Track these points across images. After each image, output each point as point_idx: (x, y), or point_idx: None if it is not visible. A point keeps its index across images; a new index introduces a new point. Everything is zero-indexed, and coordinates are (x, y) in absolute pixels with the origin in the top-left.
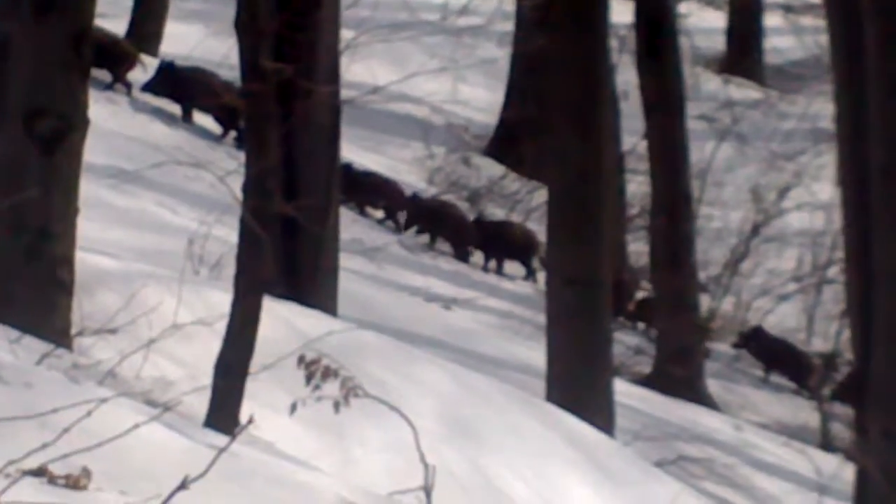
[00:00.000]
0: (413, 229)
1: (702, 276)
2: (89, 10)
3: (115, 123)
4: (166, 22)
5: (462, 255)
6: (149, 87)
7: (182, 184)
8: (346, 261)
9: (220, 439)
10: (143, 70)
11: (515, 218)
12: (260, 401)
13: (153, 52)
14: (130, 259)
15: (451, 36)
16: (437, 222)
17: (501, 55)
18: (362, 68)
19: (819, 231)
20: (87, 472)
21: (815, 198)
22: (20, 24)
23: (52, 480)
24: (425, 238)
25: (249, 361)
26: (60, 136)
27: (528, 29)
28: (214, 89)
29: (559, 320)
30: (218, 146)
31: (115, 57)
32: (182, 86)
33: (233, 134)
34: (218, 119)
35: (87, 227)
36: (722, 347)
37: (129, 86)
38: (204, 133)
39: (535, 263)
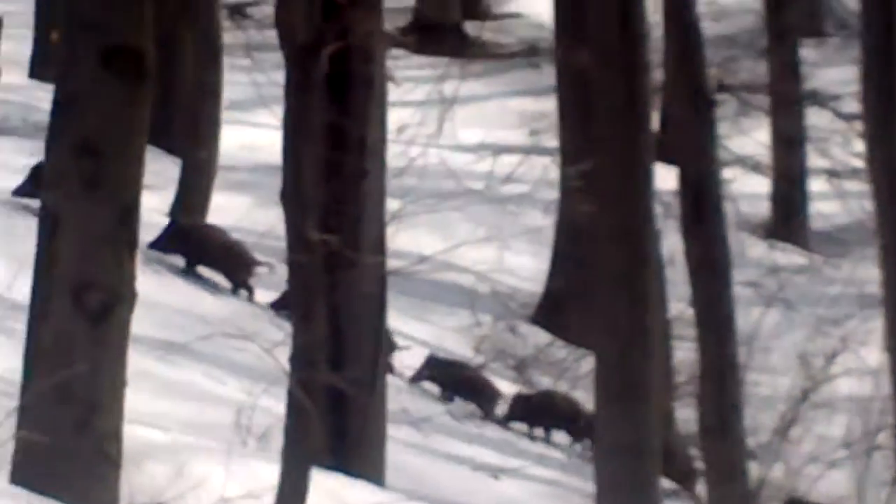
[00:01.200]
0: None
1: (750, 442)
2: (136, 185)
3: (162, 295)
4: (212, 193)
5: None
6: (157, 245)
7: (229, 355)
8: (393, 430)
9: None
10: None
11: (563, 386)
12: None
13: (199, 220)
14: (178, 431)
15: (496, 204)
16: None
17: (546, 223)
18: (408, 237)
19: (868, 397)
20: None
21: (864, 363)
22: (68, 199)
23: None
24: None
25: None
26: (109, 310)
27: (573, 196)
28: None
29: (608, 489)
30: (264, 316)
31: None
32: (189, 242)
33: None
34: (227, 275)
35: (135, 399)
36: None
37: None
38: (251, 304)
39: (579, 431)
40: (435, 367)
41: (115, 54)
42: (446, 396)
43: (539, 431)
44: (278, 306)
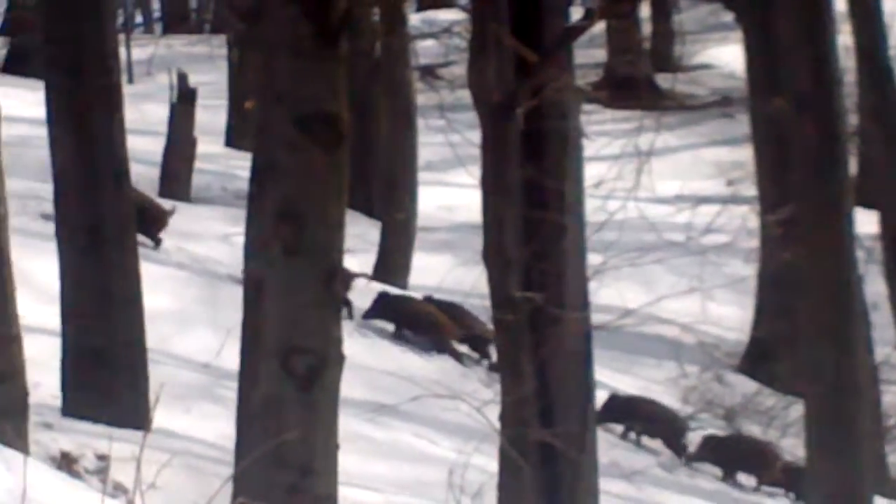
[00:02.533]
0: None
1: None
2: (338, 249)
3: (369, 357)
4: (413, 254)
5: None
6: (368, 316)
7: (439, 415)
8: (605, 484)
9: None
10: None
11: (772, 434)
12: None
13: (402, 284)
14: (392, 492)
15: (698, 255)
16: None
17: (748, 272)
18: (611, 291)
19: None
20: None
21: None
22: (271, 265)
23: None
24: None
25: None
26: (317, 373)
27: (774, 244)
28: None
29: None
30: (472, 375)
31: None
32: (398, 312)
33: (485, 363)
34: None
35: (347, 462)
36: None
37: (157, 241)
38: (458, 364)
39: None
40: (615, 403)
41: (311, 120)
42: (632, 432)
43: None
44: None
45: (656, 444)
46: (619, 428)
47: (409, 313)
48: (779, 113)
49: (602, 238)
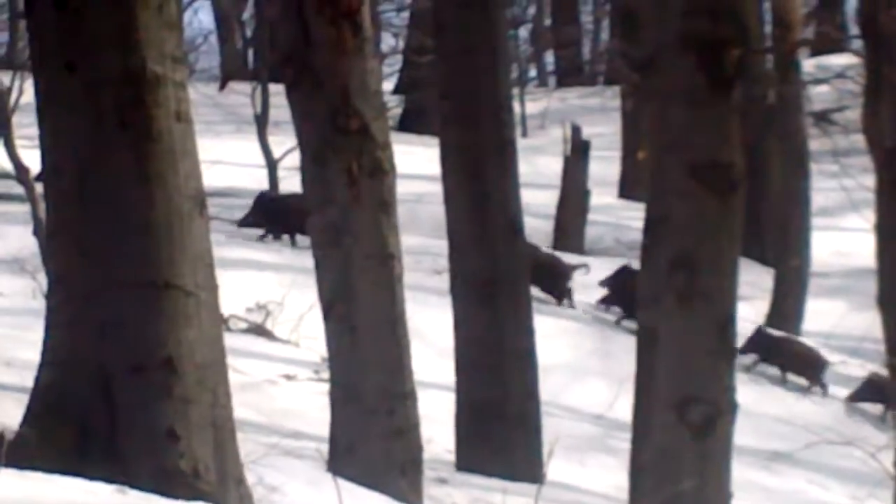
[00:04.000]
0: None
1: None
2: (732, 296)
3: (762, 405)
4: (807, 300)
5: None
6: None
7: (833, 461)
8: None
9: None
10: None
11: None
12: None
13: (795, 330)
14: None
15: None
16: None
17: None
18: None
19: None
20: None
21: None
22: (665, 315)
23: None
24: None
25: None
26: (712, 422)
27: None
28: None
29: None
30: (866, 422)
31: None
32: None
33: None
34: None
35: None
36: None
37: (563, 296)
38: (853, 410)
39: None
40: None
41: (705, 168)
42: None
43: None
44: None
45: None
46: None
47: (783, 351)
48: None
49: None
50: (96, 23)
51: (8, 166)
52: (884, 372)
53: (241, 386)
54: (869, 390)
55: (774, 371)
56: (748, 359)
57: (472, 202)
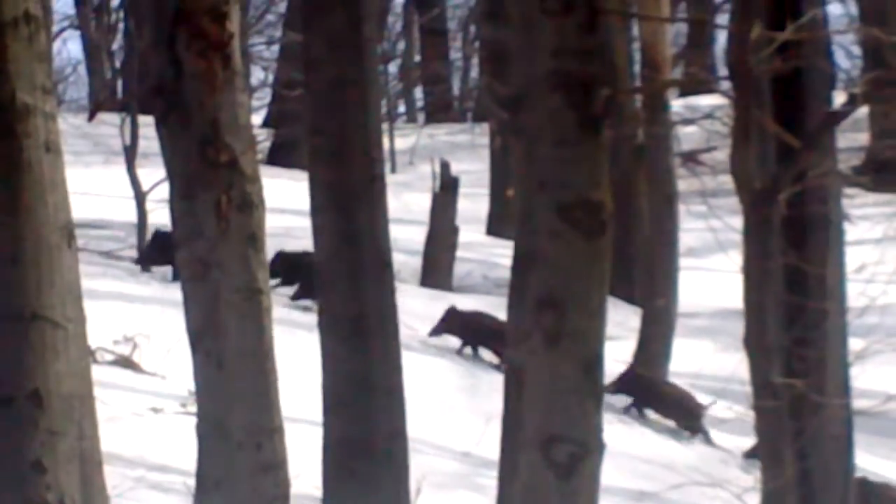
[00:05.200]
0: None
1: None
2: (599, 336)
3: (629, 445)
4: (674, 340)
5: None
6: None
7: (700, 502)
8: None
9: None
10: None
11: None
12: None
13: (662, 371)
14: None
15: None
16: None
17: None
18: (873, 376)
19: None
20: None
21: None
22: (532, 354)
23: None
24: None
25: None
26: (578, 462)
27: None
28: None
29: None
30: (731, 462)
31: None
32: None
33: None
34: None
35: None
36: None
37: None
38: (718, 450)
39: None
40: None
41: (574, 208)
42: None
43: None
44: (749, 455)
45: None
46: None
47: (654, 392)
48: None
49: (864, 323)
50: None
51: None
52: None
53: (107, 418)
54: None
55: (647, 412)
56: (621, 400)
57: (341, 238)
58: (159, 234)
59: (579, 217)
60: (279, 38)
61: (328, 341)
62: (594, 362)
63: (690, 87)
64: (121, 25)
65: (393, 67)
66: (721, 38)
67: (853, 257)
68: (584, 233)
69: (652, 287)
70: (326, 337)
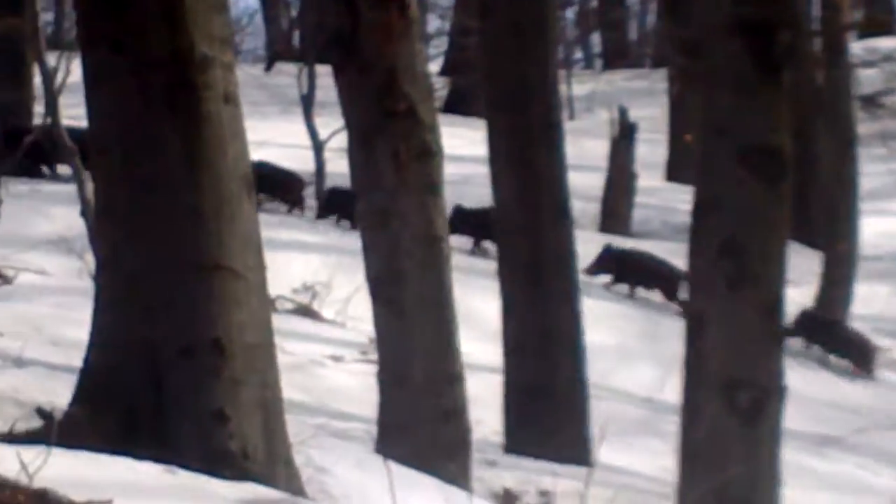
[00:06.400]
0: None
1: None
2: (780, 281)
3: (810, 389)
4: (855, 283)
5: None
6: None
7: (884, 445)
8: None
9: None
10: None
11: None
12: None
13: (843, 313)
14: None
15: None
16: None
17: None
18: None
19: None
20: None
21: None
22: (713, 299)
23: None
24: None
25: None
26: (760, 406)
27: None
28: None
29: None
30: None
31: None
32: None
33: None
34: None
35: (791, 496)
36: None
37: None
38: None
39: None
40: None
41: (753, 153)
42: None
43: None
44: None
45: None
46: None
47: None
48: None
49: None
50: (143, 3)
51: None
52: None
53: (288, 367)
54: None
55: (822, 354)
56: (796, 342)
57: (520, 185)
58: (335, 192)
59: (759, 162)
60: None
61: (507, 288)
62: (775, 307)
63: (870, 29)
64: None
65: (570, 13)
66: None
67: None
68: (764, 178)
69: (833, 231)
70: (505, 284)
